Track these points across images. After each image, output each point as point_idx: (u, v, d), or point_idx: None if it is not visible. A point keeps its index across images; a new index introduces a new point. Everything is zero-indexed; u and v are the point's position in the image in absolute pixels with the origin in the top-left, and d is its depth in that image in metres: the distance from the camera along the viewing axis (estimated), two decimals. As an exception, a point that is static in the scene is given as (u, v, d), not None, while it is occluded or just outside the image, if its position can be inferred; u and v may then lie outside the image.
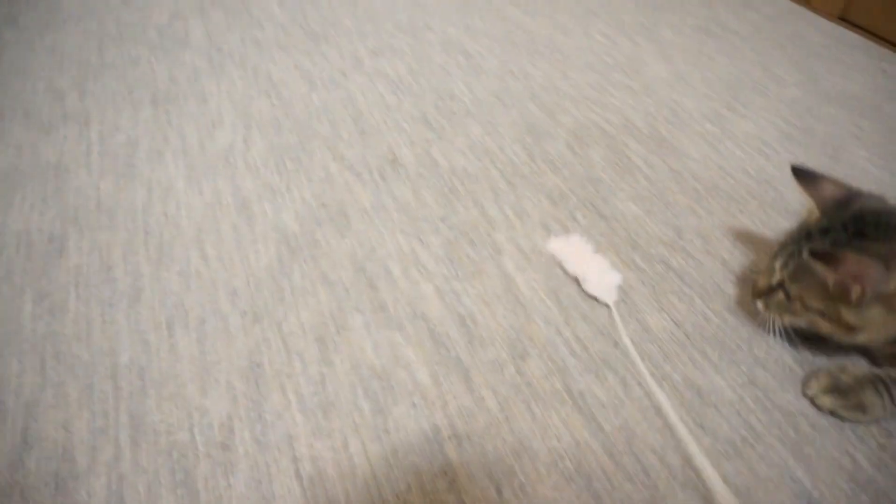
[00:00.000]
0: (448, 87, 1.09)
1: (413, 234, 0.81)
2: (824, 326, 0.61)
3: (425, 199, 0.86)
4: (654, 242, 0.80)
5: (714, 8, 1.36)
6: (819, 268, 0.57)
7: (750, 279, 0.76)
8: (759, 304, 0.66)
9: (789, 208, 0.85)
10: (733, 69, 1.16)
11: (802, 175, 0.65)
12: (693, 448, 0.58)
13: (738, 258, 0.78)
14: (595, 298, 0.71)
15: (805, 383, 0.64)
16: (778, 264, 0.63)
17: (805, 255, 0.59)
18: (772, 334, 0.66)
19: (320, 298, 0.72)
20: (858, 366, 0.63)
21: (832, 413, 0.62)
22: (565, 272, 0.75)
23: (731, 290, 0.74)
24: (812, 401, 0.63)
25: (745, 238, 0.81)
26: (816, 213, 0.63)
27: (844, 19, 1.29)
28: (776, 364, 0.67)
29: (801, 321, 0.63)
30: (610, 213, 0.85)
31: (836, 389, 0.61)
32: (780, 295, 0.62)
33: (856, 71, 1.15)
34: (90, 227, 0.81)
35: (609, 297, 0.71)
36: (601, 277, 0.72)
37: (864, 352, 0.66)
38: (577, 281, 0.73)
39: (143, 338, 0.68)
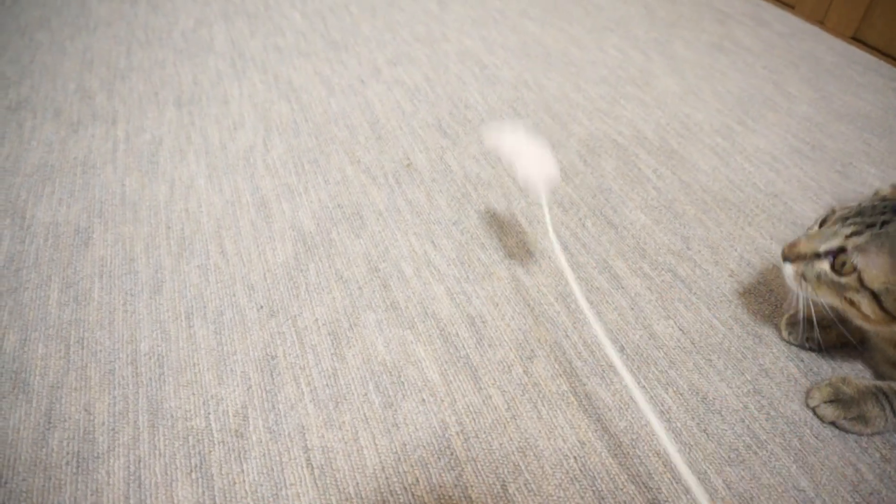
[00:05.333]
0: (463, 96, 1.11)
1: (426, 236, 0.83)
2: (866, 308, 0.55)
3: (439, 203, 0.89)
4: (662, 251, 0.82)
5: (728, 25, 1.38)
6: None
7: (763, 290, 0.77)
8: (790, 269, 0.59)
9: (797, 222, 0.86)
10: (745, 85, 1.17)
11: None
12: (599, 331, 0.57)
13: (745, 269, 0.79)
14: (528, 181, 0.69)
15: (808, 394, 0.64)
16: (846, 230, 0.55)
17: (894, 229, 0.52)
18: (793, 312, 0.62)
19: (335, 295, 0.74)
20: (861, 378, 0.64)
21: (834, 424, 0.62)
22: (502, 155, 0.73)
23: (737, 300, 0.75)
24: (814, 411, 0.63)
25: (753, 250, 0.82)
26: None
27: (857, 39, 1.31)
28: (781, 374, 0.67)
29: (836, 299, 0.57)
30: (619, 222, 0.86)
31: (837, 400, 0.62)
32: (824, 265, 0.56)
33: (867, 90, 1.15)
34: (115, 221, 0.84)
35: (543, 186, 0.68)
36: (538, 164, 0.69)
37: (869, 361, 0.67)
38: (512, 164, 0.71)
39: (163, 327, 0.70)
